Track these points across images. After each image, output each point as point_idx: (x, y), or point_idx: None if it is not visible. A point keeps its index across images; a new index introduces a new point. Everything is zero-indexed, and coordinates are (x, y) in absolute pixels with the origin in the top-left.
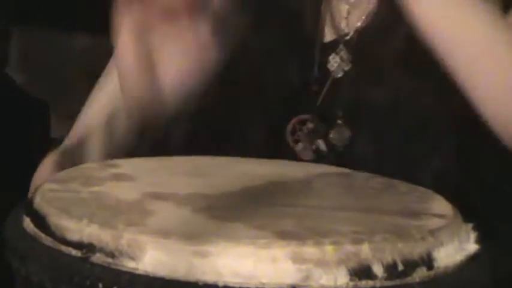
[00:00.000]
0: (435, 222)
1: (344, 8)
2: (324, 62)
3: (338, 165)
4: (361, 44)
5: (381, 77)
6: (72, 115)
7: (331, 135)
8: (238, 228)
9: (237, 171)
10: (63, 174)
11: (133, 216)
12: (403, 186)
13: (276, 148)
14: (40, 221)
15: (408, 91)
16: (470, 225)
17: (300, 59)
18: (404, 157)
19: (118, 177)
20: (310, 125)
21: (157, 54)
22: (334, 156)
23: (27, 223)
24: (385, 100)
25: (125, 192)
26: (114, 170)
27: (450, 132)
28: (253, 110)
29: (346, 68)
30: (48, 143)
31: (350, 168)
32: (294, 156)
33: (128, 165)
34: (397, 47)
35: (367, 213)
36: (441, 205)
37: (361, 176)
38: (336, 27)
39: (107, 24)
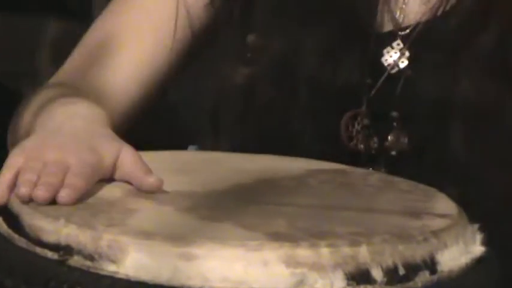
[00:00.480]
0: (438, 223)
1: (401, 0)
2: (378, 55)
3: (390, 170)
4: (421, 40)
5: (453, 73)
6: None
7: (389, 139)
8: (227, 229)
9: (226, 168)
10: None
11: (114, 215)
12: (404, 184)
13: (329, 145)
14: (13, 221)
15: (491, 98)
16: (476, 226)
17: (354, 51)
18: (467, 168)
19: None
20: (364, 121)
21: None
22: (387, 160)
23: (0, 223)
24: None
25: (106, 190)
26: None
27: None
28: (307, 108)
29: (402, 65)
30: None
31: (403, 176)
32: (347, 153)
33: None
34: (483, 47)
35: (366, 213)
36: (445, 204)
37: (359, 173)
38: (392, 18)
39: (79, 10)
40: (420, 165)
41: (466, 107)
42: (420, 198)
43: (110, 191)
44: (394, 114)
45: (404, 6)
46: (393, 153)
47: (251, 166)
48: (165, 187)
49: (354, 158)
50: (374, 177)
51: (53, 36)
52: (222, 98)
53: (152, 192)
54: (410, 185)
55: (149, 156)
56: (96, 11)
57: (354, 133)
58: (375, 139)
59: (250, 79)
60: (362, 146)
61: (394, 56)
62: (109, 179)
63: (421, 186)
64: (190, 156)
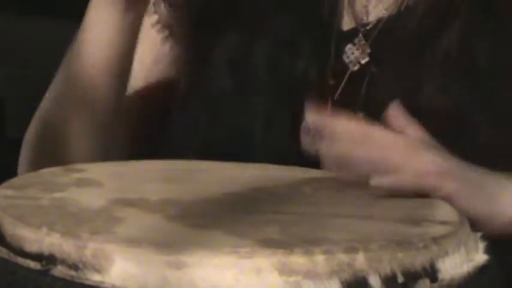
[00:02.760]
0: (439, 230)
1: None
2: (340, 53)
3: None
4: (385, 36)
5: (415, 76)
6: (29, 113)
7: None
8: (218, 236)
9: (217, 177)
10: (20, 179)
11: (99, 224)
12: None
13: (292, 148)
14: None
15: (456, 101)
16: (478, 233)
17: (315, 48)
18: None
19: (82, 183)
20: None
21: None
22: None
23: None
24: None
25: (90, 198)
26: (77, 175)
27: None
28: (266, 105)
29: (363, 61)
30: (3, 143)
31: None
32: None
33: (93, 170)
34: (445, 46)
35: (363, 220)
36: (446, 211)
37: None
38: (355, 15)
39: (70, 12)
40: None
41: (430, 111)
42: (420, 205)
43: (94, 200)
44: (361, 114)
45: (367, 3)
46: None
47: (243, 175)
48: (153, 195)
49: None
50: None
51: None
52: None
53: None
54: None
55: (136, 164)
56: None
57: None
58: None
59: (206, 75)
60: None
61: (355, 53)
62: (95, 187)
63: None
64: (180, 165)
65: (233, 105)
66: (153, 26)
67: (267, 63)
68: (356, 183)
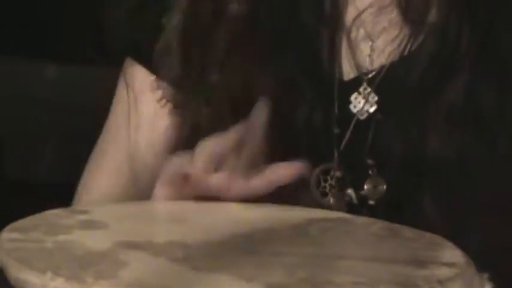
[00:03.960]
0: (445, 272)
1: (366, 45)
2: (345, 102)
3: None
4: (390, 83)
5: (420, 125)
6: (29, 153)
7: (365, 188)
8: (224, 281)
9: (222, 217)
10: (25, 221)
11: (105, 267)
12: (408, 232)
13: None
14: None
15: (461, 151)
16: (485, 275)
17: (317, 95)
18: (448, 214)
19: (87, 225)
20: (337, 174)
21: None
22: (367, 210)
23: None
24: (430, 152)
25: (95, 241)
26: (82, 217)
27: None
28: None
29: (371, 110)
30: (3, 184)
31: None
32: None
33: (98, 211)
34: (451, 97)
35: (369, 262)
36: (452, 253)
37: (361, 222)
38: (357, 64)
39: (74, 54)
40: (401, 213)
41: (435, 160)
42: (425, 246)
43: (99, 242)
44: (370, 161)
45: (371, 52)
46: (371, 202)
47: (248, 215)
48: (158, 237)
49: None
50: (377, 225)
51: (44, 81)
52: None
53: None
54: (415, 233)
55: (141, 205)
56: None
57: (328, 188)
58: (350, 190)
59: (211, 119)
60: (336, 200)
61: (362, 102)
62: (100, 229)
63: (427, 234)
64: (184, 205)
65: None
66: (157, 102)
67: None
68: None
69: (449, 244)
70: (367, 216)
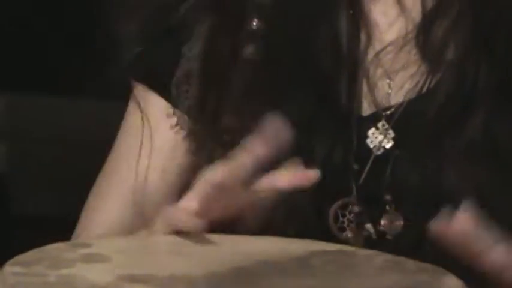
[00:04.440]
0: None
1: (384, 83)
2: (362, 138)
3: None
4: (407, 119)
5: (437, 161)
6: (30, 188)
7: (382, 223)
8: None
9: (225, 250)
10: (27, 255)
11: None
12: (410, 264)
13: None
14: None
15: (479, 186)
16: None
17: (336, 131)
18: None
19: (89, 258)
20: (355, 209)
21: None
22: (385, 245)
23: None
24: (445, 188)
25: (97, 274)
26: (84, 250)
27: None
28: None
29: (388, 146)
30: (5, 218)
31: None
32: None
33: (100, 245)
34: (469, 134)
35: None
36: (453, 284)
37: (364, 254)
38: (375, 101)
39: (70, 90)
40: (420, 248)
41: (452, 194)
42: (427, 278)
43: (101, 276)
44: (388, 197)
45: (390, 90)
46: (389, 237)
47: (251, 248)
48: (161, 270)
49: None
50: (379, 258)
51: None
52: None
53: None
54: (417, 265)
55: (144, 238)
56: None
57: (346, 223)
58: (369, 225)
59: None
60: (354, 235)
61: (379, 137)
62: (103, 262)
63: (429, 266)
64: (191, 238)
65: None
66: (171, 128)
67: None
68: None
69: (450, 275)
70: (386, 251)
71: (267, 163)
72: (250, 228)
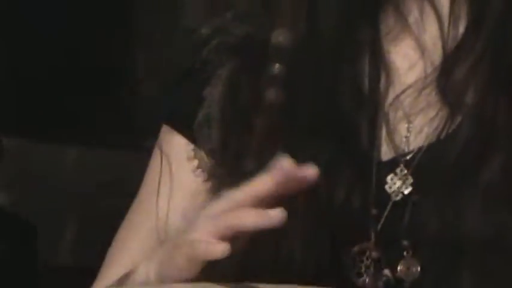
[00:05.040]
0: None
1: (403, 127)
2: (381, 183)
3: None
4: (426, 165)
5: (457, 206)
6: (60, 240)
7: (398, 269)
8: None
9: None
10: None
11: None
12: None
13: (333, 281)
14: None
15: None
16: None
17: (355, 176)
18: None
19: None
20: (374, 254)
21: None
22: None
23: None
24: (466, 234)
25: None
26: None
27: None
28: (307, 240)
29: (406, 192)
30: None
31: None
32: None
33: None
34: (487, 178)
35: None
36: None
37: None
38: (394, 146)
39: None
40: None
41: (472, 239)
42: None
43: None
44: (405, 243)
45: (408, 134)
46: (406, 284)
47: None
48: None
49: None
50: None
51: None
52: None
53: None
54: None
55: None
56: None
57: (363, 268)
58: (387, 271)
59: None
60: (372, 281)
61: (397, 183)
62: None
63: None
64: None
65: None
66: (193, 171)
67: (306, 205)
68: None
69: None
70: None
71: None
72: None
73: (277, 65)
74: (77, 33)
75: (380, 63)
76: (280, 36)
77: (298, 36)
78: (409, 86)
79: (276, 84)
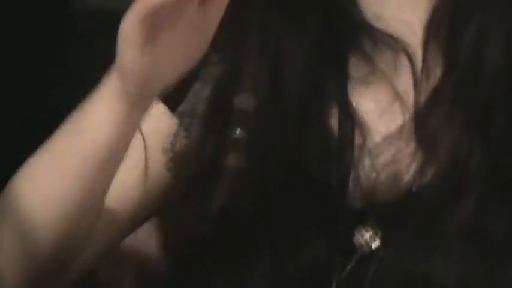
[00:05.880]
0: None
1: (375, 177)
2: (350, 235)
3: None
4: (393, 217)
5: (424, 260)
6: None
7: None
8: None
9: None
10: None
11: None
12: None
13: None
14: None
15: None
16: None
17: (322, 228)
18: None
19: None
20: None
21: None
22: None
23: None
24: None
25: None
26: None
27: None
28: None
29: (374, 244)
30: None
31: None
32: None
33: None
34: (461, 220)
35: None
36: None
37: None
38: (364, 198)
39: None
40: None
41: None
42: None
43: None
44: None
45: (380, 185)
46: None
47: None
48: None
49: None
50: None
51: None
52: None
53: None
54: None
55: None
56: None
57: None
58: None
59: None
60: None
61: (366, 235)
62: None
63: None
64: None
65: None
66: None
67: (271, 253)
68: None
69: None
70: None
71: None
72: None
73: (238, 130)
74: None
75: (349, 114)
76: (243, 100)
77: (262, 98)
78: (385, 137)
79: (238, 148)
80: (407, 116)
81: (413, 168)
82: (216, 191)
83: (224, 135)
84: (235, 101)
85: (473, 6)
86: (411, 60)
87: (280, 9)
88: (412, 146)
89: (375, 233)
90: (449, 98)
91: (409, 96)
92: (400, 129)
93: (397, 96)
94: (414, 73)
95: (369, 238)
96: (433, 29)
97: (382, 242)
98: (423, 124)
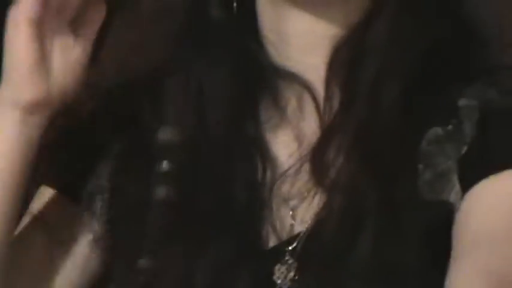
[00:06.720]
0: None
1: (287, 213)
2: (270, 273)
3: None
4: (307, 250)
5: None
6: None
7: None
8: None
9: None
10: None
11: None
12: None
13: None
14: None
15: None
16: None
17: (242, 267)
18: None
19: None
20: None
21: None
22: None
23: None
24: None
25: None
26: None
27: None
28: None
29: (289, 277)
30: None
31: None
32: None
33: None
34: (359, 258)
35: None
36: None
37: None
38: (278, 235)
39: None
40: None
41: None
42: None
43: None
44: None
45: (293, 221)
46: None
47: None
48: None
49: None
50: None
51: None
52: None
53: None
54: None
55: None
56: None
57: None
58: None
59: None
60: None
61: (282, 270)
62: None
63: None
64: None
65: None
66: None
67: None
68: None
69: None
70: None
71: None
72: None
73: (165, 163)
74: None
75: (263, 156)
76: (167, 133)
77: (186, 133)
78: (285, 171)
79: (166, 181)
80: (307, 152)
81: (317, 201)
82: (147, 227)
83: (149, 171)
84: (159, 134)
85: (372, 46)
86: (314, 99)
87: (200, 51)
88: (311, 183)
89: (292, 266)
90: (345, 133)
91: (317, 138)
92: (299, 164)
93: (304, 139)
94: (319, 112)
95: (286, 273)
96: (333, 68)
97: (298, 274)
98: (320, 158)
